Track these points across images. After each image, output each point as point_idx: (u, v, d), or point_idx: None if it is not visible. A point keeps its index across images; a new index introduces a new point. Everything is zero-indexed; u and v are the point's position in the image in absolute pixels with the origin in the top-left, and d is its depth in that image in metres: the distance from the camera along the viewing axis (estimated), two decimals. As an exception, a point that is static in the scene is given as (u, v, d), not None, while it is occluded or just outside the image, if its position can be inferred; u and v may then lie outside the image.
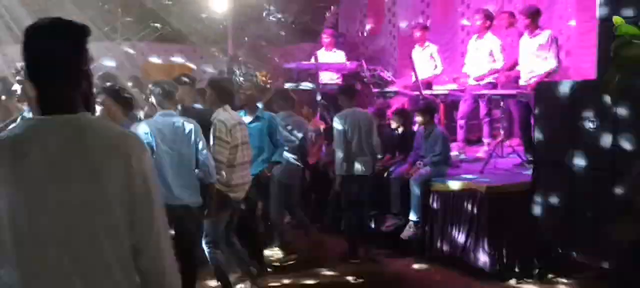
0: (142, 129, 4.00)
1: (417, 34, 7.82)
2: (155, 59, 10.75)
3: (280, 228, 5.90)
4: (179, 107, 4.66)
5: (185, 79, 5.54)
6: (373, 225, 6.11)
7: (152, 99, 4.24)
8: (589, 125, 4.38)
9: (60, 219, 1.38)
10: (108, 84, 5.23)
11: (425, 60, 7.68)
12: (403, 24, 10.02)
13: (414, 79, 7.36)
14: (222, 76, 8.30)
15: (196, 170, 4.16)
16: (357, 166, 5.67)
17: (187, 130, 4.10)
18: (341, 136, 5.66)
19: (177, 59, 10.84)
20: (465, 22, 8.92)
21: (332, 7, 10.78)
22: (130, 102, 4.37)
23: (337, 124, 5.74)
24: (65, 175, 1.39)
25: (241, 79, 9.13)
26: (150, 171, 1.50)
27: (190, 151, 4.11)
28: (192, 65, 10.46)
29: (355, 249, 5.76)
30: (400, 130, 6.53)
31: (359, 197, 5.76)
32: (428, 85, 7.59)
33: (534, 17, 6.14)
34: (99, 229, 1.40)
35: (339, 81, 8.13)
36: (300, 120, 6.14)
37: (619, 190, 4.06)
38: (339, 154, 5.68)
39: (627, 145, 4.03)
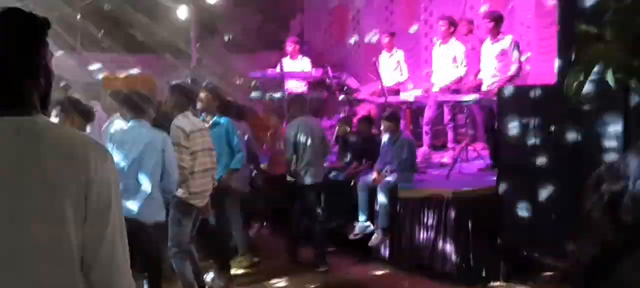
0: (114, 139, 3.91)
1: (385, 39, 7.86)
2: (116, 69, 10.50)
3: (242, 236, 5.82)
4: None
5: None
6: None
7: (123, 107, 4.15)
8: (551, 128, 4.45)
9: (7, 231, 1.27)
10: (68, 94, 5.10)
11: (392, 67, 7.71)
12: (368, 32, 10.08)
13: (380, 85, 7.38)
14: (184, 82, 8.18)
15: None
16: (310, 174, 5.69)
17: (153, 141, 3.98)
18: (292, 145, 5.69)
19: (139, 69, 10.62)
20: (428, 30, 9.04)
21: (297, 16, 10.76)
22: (91, 112, 4.25)
23: (289, 133, 5.76)
24: (15, 184, 1.27)
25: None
26: (111, 180, 1.37)
27: (155, 164, 3.98)
28: (154, 75, 10.26)
29: (323, 257, 5.71)
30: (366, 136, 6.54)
31: (313, 204, 5.81)
32: (396, 92, 7.63)
33: (497, 21, 6.25)
34: (50, 243, 1.29)
35: (305, 89, 8.11)
36: (243, 129, 6.06)
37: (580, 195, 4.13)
38: (291, 163, 5.71)
39: (589, 147, 4.11)
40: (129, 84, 8.96)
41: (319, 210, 6.02)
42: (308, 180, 5.70)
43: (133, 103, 4.08)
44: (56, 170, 1.30)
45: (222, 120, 5.30)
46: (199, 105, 5.18)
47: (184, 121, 4.39)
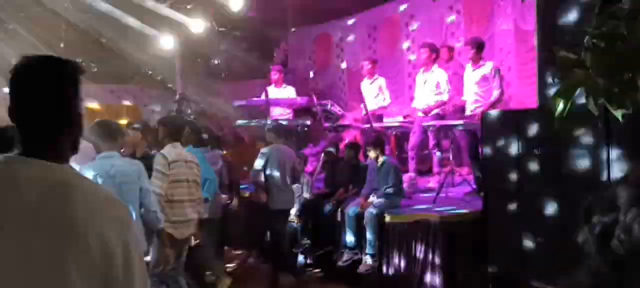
0: (88, 173, 3.83)
1: (367, 66, 7.96)
2: (101, 100, 10.48)
3: (215, 266, 5.85)
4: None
5: (137, 126, 5.56)
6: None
7: (93, 139, 4.11)
8: (534, 151, 4.52)
9: (19, 282, 1.21)
10: None
11: (374, 93, 7.80)
12: (351, 59, 10.20)
13: (364, 111, 7.44)
14: (171, 115, 8.23)
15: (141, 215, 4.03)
16: (280, 200, 5.90)
17: (130, 173, 3.97)
18: (260, 171, 5.90)
19: (123, 99, 10.59)
20: (411, 56, 9.18)
21: (281, 44, 10.86)
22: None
23: (259, 159, 5.97)
24: (36, 232, 1.23)
25: (191, 117, 9.01)
26: (135, 240, 1.36)
27: (134, 196, 3.95)
28: (140, 105, 10.24)
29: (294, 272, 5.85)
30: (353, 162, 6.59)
31: (283, 230, 6.05)
32: (379, 117, 7.70)
33: (479, 48, 6.39)
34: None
35: (290, 116, 8.16)
36: (214, 155, 6.13)
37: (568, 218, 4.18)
38: (259, 188, 5.93)
39: (572, 170, 4.18)
40: (113, 115, 8.94)
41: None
42: (278, 206, 5.88)
43: (102, 133, 4.06)
44: (82, 224, 1.26)
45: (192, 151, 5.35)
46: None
47: (169, 149, 4.51)
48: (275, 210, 5.90)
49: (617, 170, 3.79)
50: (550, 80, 4.18)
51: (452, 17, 8.64)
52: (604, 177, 3.88)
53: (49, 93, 1.32)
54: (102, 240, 1.27)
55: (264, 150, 6.03)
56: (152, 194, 4.07)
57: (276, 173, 5.87)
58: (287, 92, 8.22)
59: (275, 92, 8.14)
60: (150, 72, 10.62)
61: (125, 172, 3.94)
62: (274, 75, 8.29)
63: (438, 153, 6.94)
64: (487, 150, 5.10)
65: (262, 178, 5.86)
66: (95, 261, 1.26)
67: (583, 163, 4.07)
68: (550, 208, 4.34)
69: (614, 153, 3.84)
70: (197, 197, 4.68)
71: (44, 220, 1.25)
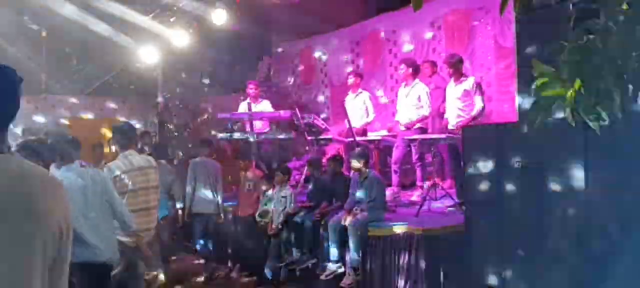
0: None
1: (351, 80, 7.99)
2: (83, 113, 10.40)
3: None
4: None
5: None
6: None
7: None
8: (515, 164, 4.58)
9: (8, 256, 1.37)
10: (31, 138, 5.01)
11: (359, 107, 7.82)
12: (334, 74, 10.27)
13: (347, 125, 7.47)
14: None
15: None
16: (203, 206, 6.82)
17: (88, 185, 3.97)
18: (192, 181, 6.85)
19: (106, 112, 10.51)
20: (393, 72, 9.28)
21: (265, 58, 10.90)
22: (54, 152, 4.18)
23: (189, 170, 6.95)
24: (7, 213, 1.38)
25: (172, 128, 8.98)
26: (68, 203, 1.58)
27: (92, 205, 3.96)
28: (122, 118, 10.15)
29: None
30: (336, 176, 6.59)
31: (204, 234, 6.96)
32: (363, 132, 7.72)
33: (456, 65, 6.46)
34: (33, 271, 1.41)
35: (267, 129, 8.21)
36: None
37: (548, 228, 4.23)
38: (188, 196, 6.83)
39: (551, 180, 4.24)
40: (96, 127, 8.87)
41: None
42: (201, 211, 6.85)
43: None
44: (39, 201, 1.44)
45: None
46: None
47: (119, 162, 4.54)
48: (195, 214, 6.83)
49: (595, 181, 3.86)
50: (528, 94, 4.25)
51: (433, 33, 8.76)
52: (582, 188, 3.95)
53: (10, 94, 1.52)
54: (59, 208, 1.49)
55: (192, 161, 7.11)
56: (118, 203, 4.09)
57: (200, 182, 6.85)
58: (263, 106, 8.24)
59: (252, 107, 8.15)
60: (132, 86, 10.56)
61: (85, 185, 3.93)
62: (250, 90, 8.31)
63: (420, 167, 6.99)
64: (468, 164, 5.15)
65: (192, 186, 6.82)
66: (55, 225, 1.46)
67: (562, 174, 4.14)
68: (531, 220, 4.39)
69: (592, 164, 3.92)
70: (155, 205, 4.73)
71: (12, 205, 1.40)
